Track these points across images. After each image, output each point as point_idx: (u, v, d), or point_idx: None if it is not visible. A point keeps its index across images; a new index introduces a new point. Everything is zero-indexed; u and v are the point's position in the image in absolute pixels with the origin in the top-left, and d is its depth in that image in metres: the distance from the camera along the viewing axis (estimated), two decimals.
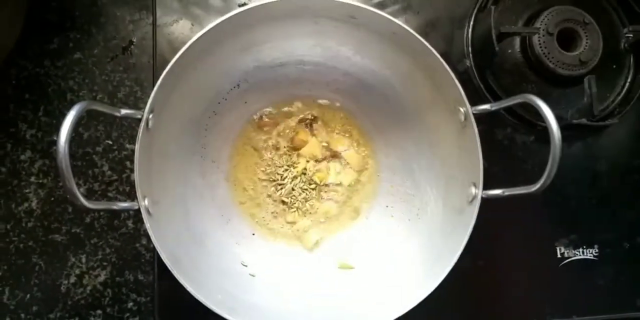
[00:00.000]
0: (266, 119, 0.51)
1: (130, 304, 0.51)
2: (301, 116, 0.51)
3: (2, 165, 0.52)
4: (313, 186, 0.50)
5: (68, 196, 0.32)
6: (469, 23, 0.54)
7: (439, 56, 0.39)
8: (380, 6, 0.53)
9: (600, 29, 0.53)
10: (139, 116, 0.37)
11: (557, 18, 0.52)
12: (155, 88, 0.37)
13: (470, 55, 0.53)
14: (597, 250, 0.53)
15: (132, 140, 0.52)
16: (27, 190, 0.52)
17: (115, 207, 0.36)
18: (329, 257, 0.49)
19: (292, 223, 0.51)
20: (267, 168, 0.51)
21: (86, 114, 0.53)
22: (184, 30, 0.51)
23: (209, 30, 0.38)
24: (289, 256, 0.49)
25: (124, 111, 0.37)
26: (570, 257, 0.52)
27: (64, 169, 0.31)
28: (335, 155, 0.51)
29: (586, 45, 0.52)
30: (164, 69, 0.38)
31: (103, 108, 0.35)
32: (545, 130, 0.36)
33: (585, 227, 0.53)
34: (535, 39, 0.52)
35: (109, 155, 0.53)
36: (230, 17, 0.38)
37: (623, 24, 0.55)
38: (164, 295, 0.48)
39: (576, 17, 0.52)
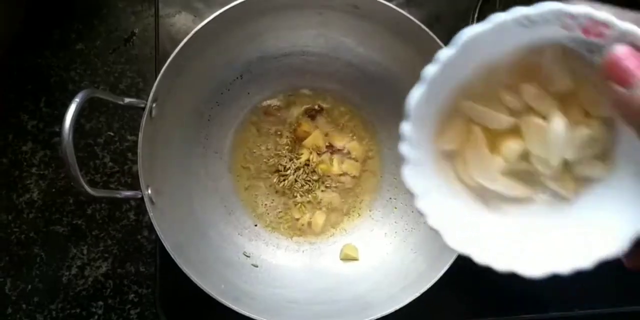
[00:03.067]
0: (269, 110, 0.51)
1: (131, 296, 0.51)
2: (304, 107, 0.51)
3: (3, 156, 0.51)
4: (316, 177, 0.50)
5: (72, 183, 0.32)
6: (474, 15, 0.53)
7: (443, 45, 0.39)
8: None
9: None
10: (142, 105, 0.37)
11: None
12: (159, 76, 0.37)
13: None
14: None
15: (134, 131, 0.52)
16: (28, 181, 0.51)
17: (118, 195, 0.36)
18: (331, 248, 0.49)
19: (296, 219, 0.51)
20: (270, 159, 0.50)
21: (88, 105, 0.52)
22: (186, 22, 0.51)
23: (213, 19, 0.38)
24: (291, 247, 0.49)
25: (127, 99, 0.37)
26: None
27: (67, 155, 0.31)
28: (338, 147, 0.51)
29: None
30: (165, 60, 0.38)
31: (107, 96, 0.35)
32: None
33: None
34: None
35: (110, 147, 0.52)
36: (234, 6, 0.38)
37: None
38: (165, 286, 0.48)
39: None
